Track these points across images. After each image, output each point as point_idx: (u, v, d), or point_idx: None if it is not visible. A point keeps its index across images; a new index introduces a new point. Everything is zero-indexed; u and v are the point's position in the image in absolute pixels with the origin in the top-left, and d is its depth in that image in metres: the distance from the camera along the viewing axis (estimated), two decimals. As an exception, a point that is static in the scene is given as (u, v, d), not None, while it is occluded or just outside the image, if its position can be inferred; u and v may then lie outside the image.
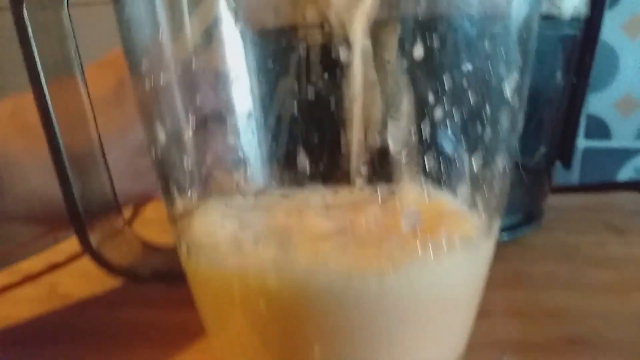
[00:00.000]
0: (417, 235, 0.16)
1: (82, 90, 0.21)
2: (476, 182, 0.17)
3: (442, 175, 0.16)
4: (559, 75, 0.34)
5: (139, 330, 0.25)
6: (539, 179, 0.38)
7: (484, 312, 0.20)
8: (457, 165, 0.16)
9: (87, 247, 0.21)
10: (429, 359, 0.18)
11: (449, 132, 0.16)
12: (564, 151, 0.37)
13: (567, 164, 0.37)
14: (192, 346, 0.23)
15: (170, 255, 0.22)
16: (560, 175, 0.52)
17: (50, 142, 0.20)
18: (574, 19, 0.32)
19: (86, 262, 0.34)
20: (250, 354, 0.18)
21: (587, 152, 0.55)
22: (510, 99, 0.17)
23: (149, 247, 0.23)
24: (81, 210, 0.20)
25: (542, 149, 0.36)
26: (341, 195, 0.16)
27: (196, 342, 0.24)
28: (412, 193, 0.16)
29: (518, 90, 0.17)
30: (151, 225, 0.24)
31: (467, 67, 0.15)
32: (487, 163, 0.17)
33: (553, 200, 0.43)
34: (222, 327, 0.19)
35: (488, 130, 0.17)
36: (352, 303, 0.16)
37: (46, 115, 0.20)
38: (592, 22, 0.31)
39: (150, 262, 0.22)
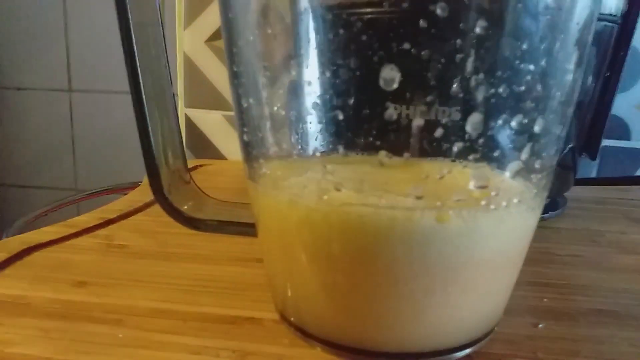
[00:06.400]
0: (483, 190, 0.18)
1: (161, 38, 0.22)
2: (531, 163, 0.19)
3: (500, 151, 0.18)
4: (592, 68, 0.35)
5: (198, 280, 0.26)
6: (566, 169, 0.39)
7: (517, 282, 0.21)
8: (515, 141, 0.18)
9: (158, 192, 0.22)
10: (475, 311, 0.20)
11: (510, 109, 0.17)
12: (591, 142, 0.38)
13: (593, 156, 0.39)
14: (254, 297, 0.24)
15: (234, 208, 0.24)
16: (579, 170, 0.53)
17: (134, 91, 0.21)
18: (611, 13, 0.33)
19: (137, 219, 0.36)
20: (317, 295, 0.20)
21: (606, 150, 0.56)
22: (571, 75, 0.18)
23: (214, 201, 0.24)
24: (157, 155, 0.22)
25: (571, 140, 0.37)
26: (407, 160, 0.18)
27: (257, 294, 0.24)
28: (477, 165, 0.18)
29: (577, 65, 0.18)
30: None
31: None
32: (543, 138, 0.18)
33: (573, 191, 0.44)
34: (289, 265, 0.20)
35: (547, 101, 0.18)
36: (415, 242, 0.17)
37: (134, 74, 0.21)
38: (629, 17, 0.32)
39: (214, 214, 0.23)
